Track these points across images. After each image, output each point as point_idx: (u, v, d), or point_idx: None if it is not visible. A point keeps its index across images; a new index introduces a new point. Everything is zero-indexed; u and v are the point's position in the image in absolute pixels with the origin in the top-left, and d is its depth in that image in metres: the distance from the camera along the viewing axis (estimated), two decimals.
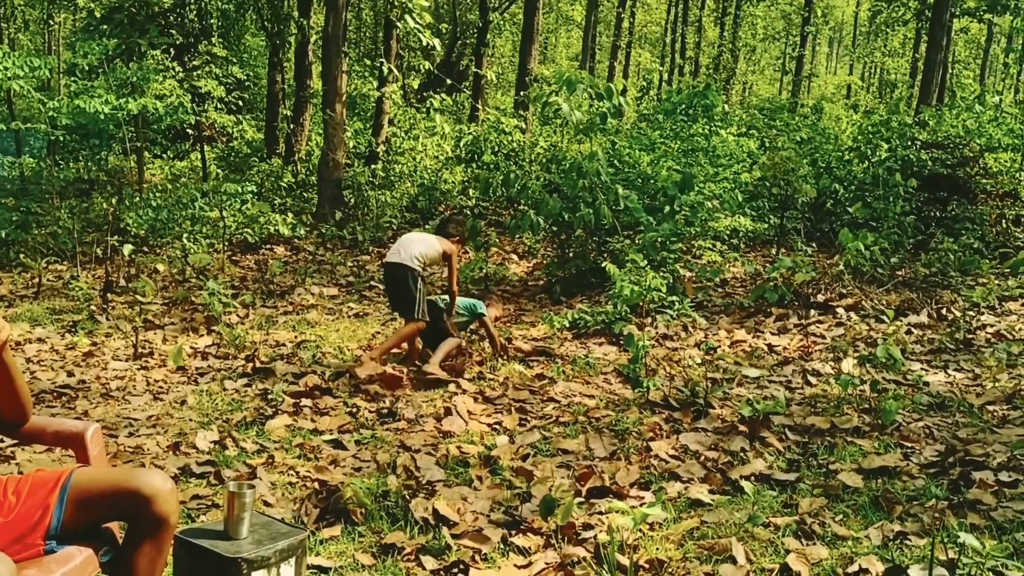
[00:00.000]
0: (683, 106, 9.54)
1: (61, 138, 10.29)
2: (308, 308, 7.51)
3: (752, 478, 3.91)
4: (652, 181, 8.15)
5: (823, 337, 6.37)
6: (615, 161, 8.59)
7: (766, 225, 8.91)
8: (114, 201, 9.94)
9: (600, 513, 3.62)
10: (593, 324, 6.67)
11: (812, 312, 6.91)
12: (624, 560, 3.09)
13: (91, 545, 2.21)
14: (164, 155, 16.58)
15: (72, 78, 9.85)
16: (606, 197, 7.53)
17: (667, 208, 7.58)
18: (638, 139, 9.22)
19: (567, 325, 6.77)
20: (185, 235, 9.21)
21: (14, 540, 2.09)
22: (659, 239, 6.95)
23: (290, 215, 11.13)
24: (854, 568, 3.03)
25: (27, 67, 9.14)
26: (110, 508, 2.20)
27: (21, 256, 8.58)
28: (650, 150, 8.84)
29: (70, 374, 5.35)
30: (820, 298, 7.10)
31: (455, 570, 3.15)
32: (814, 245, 8.89)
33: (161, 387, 5.20)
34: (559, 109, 7.25)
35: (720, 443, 4.35)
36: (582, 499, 3.71)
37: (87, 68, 9.95)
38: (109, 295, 7.31)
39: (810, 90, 36.09)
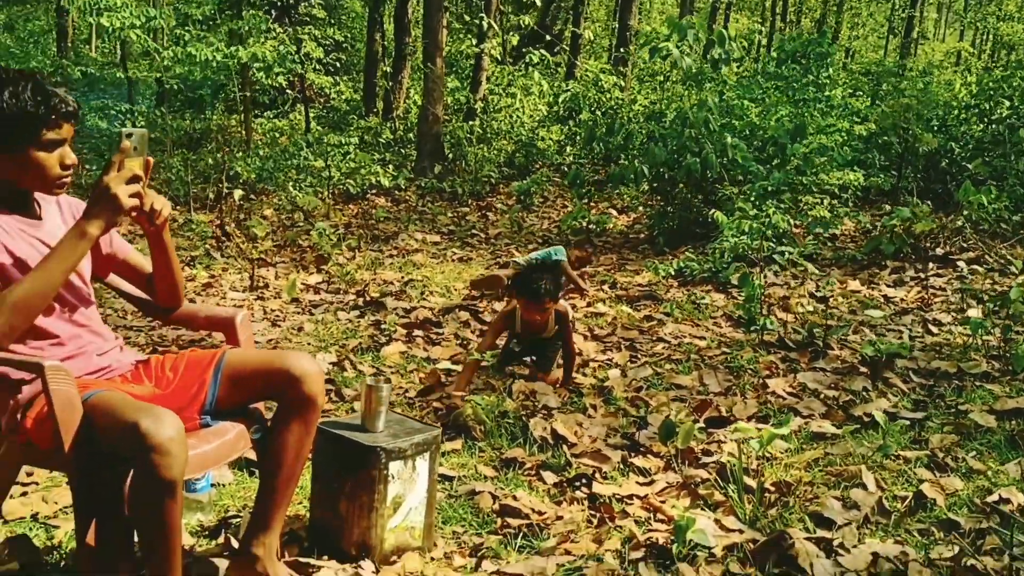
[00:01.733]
0: (797, 53, 9.23)
1: (175, 86, 10.59)
2: (413, 252, 7.59)
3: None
4: (761, 132, 7.94)
5: (943, 290, 6.13)
6: (721, 112, 8.38)
7: (878, 180, 8.59)
8: (223, 152, 10.20)
9: (719, 442, 3.57)
10: (699, 272, 6.56)
11: (931, 265, 6.65)
12: (750, 482, 3.04)
13: (242, 423, 2.28)
14: (265, 114, 16.93)
15: (185, 28, 10.15)
16: (713, 147, 7.37)
17: (777, 159, 7.38)
18: (749, 88, 8.98)
19: (672, 273, 6.68)
20: (291, 184, 9.42)
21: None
22: (770, 187, 6.77)
23: (391, 167, 11.27)
24: (993, 498, 2.91)
25: (143, 17, 9.41)
26: (261, 386, 2.26)
27: None
28: (761, 100, 8.61)
29: (191, 301, 5.53)
30: (939, 251, 6.83)
31: (577, 483, 3.16)
32: (929, 203, 8.54)
33: (278, 316, 5.34)
34: (668, 55, 7.09)
35: (840, 383, 4.23)
36: (702, 426, 3.66)
37: (200, 19, 10.21)
38: (223, 233, 7.52)
39: (916, 55, 34.58)
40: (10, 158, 2.03)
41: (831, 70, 9.50)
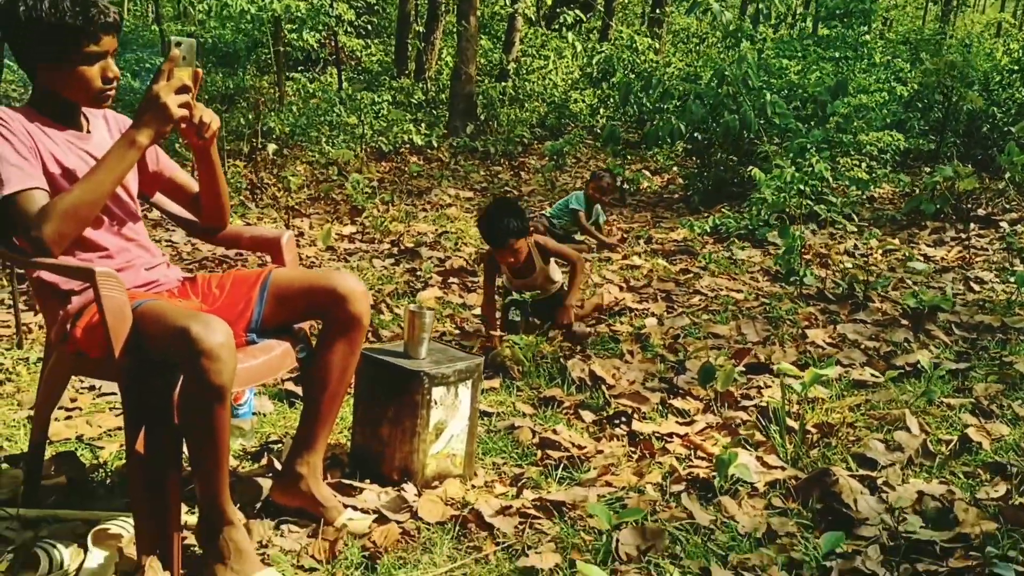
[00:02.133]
0: (838, 11, 9.04)
1: (209, 40, 10.60)
2: (446, 207, 7.58)
3: (919, 365, 3.75)
4: (800, 91, 7.81)
5: (985, 249, 6.03)
6: (760, 71, 8.25)
7: (920, 141, 8.43)
8: (258, 104, 10.19)
9: (759, 387, 3.53)
10: (735, 229, 6.49)
11: (972, 225, 6.54)
12: (792, 423, 3.01)
13: (287, 342, 2.27)
14: (299, 68, 16.90)
15: None
16: (752, 104, 7.26)
17: (816, 116, 7.26)
18: (789, 46, 8.82)
19: (707, 231, 6.62)
20: (324, 139, 9.41)
21: None
22: (808, 145, 6.67)
23: (423, 126, 11.23)
24: None
25: None
26: (306, 305, 2.25)
27: (176, 147, 8.90)
28: (800, 59, 8.46)
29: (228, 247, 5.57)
30: (981, 212, 6.71)
31: (616, 421, 3.14)
32: (971, 167, 8.39)
33: (313, 262, 5.35)
34: (708, 9, 6.97)
35: (881, 334, 4.17)
36: (742, 370, 3.63)
37: None
38: (258, 183, 7.55)
39: (955, 26, 33.75)
40: (52, 70, 2.02)
41: (870, 35, 9.29)
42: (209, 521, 2.00)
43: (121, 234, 2.16)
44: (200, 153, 2.19)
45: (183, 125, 2.04)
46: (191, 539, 2.11)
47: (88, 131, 2.16)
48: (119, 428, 2.93)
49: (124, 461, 2.65)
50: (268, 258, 2.52)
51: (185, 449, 1.99)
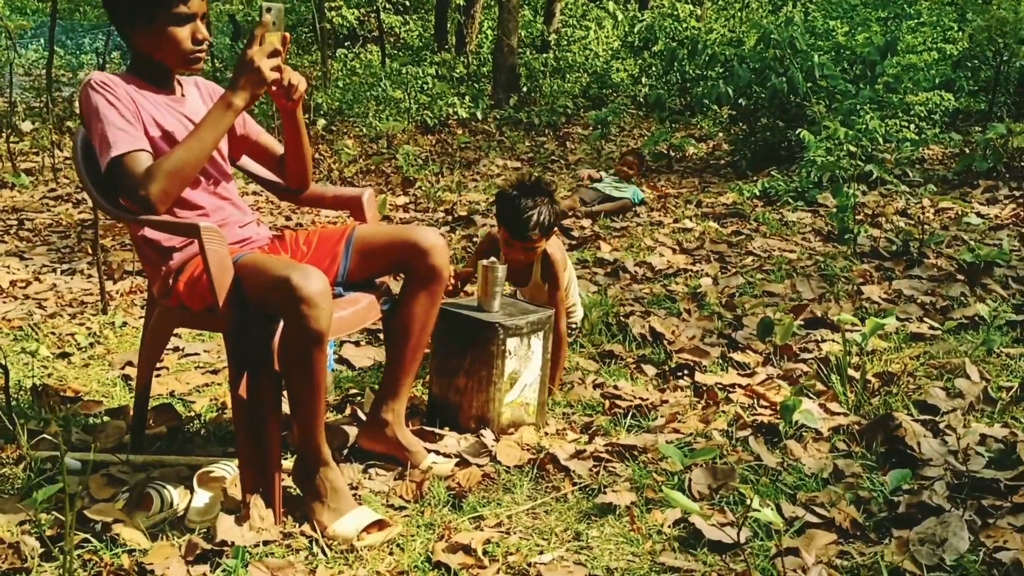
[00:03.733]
0: None
1: (252, 19, 10.75)
2: (495, 176, 7.66)
3: (976, 317, 3.78)
4: (848, 52, 7.74)
5: None
6: (806, 33, 8.19)
7: (969, 101, 8.32)
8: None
9: (817, 341, 3.60)
10: (785, 192, 6.50)
11: None
12: (853, 373, 3.07)
13: (372, 295, 2.39)
14: (347, 44, 17.04)
15: None
16: (799, 66, 7.23)
17: (865, 77, 7.21)
18: (836, 5, 8.74)
19: (756, 194, 6.63)
20: (371, 113, 9.54)
21: None
22: (858, 105, 6.63)
23: (467, 99, 11.31)
24: None
25: None
26: (389, 259, 2.36)
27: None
28: (848, 18, 8.37)
29: (288, 218, 5.72)
30: None
31: (679, 373, 3.23)
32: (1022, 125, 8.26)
33: None
34: None
35: (937, 289, 4.20)
36: (800, 323, 3.69)
37: None
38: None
39: None
40: (145, 33, 2.14)
41: None
42: (306, 462, 2.13)
43: (216, 193, 2.28)
44: (287, 115, 2.30)
45: (274, 88, 2.15)
46: (288, 482, 2.24)
47: (182, 95, 2.28)
48: (207, 385, 3.09)
49: (216, 413, 2.80)
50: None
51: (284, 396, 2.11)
